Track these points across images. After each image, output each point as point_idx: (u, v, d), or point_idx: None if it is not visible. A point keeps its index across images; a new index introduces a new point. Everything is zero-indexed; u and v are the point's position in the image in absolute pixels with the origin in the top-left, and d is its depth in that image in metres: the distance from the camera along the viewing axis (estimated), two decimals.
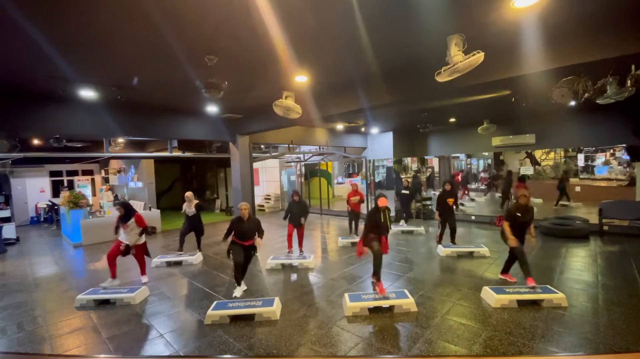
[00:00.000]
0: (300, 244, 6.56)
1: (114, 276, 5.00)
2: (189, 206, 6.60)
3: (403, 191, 8.91)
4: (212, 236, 9.14)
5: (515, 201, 4.54)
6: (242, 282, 4.73)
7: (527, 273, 4.29)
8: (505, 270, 4.84)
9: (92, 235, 8.53)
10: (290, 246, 6.54)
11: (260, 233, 4.63)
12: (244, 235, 4.54)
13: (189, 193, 6.70)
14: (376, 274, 4.46)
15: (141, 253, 5.11)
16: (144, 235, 5.08)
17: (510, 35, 3.00)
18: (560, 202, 8.55)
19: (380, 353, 3.18)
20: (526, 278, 4.28)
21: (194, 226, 6.70)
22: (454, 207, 6.68)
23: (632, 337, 3.24)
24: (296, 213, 6.30)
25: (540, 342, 3.21)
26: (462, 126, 9.45)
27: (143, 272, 5.26)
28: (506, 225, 4.44)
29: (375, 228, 4.55)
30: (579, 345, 3.15)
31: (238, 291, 4.61)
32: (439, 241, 6.80)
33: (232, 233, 4.57)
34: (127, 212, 4.95)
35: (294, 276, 5.49)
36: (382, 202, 4.54)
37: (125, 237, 4.94)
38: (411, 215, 9.76)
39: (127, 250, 4.96)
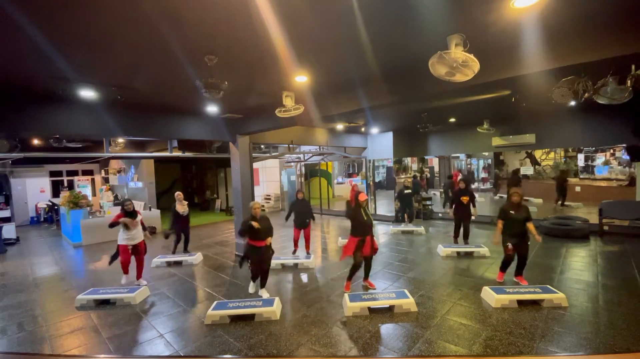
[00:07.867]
0: (307, 246, 6.52)
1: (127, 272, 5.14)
2: (182, 206, 6.68)
3: (406, 191, 8.82)
4: (212, 236, 9.15)
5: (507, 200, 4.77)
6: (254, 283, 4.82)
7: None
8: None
9: (92, 235, 8.54)
10: (296, 246, 6.54)
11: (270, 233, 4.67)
12: (259, 234, 4.44)
13: (179, 194, 6.79)
14: (354, 277, 4.68)
15: (143, 251, 5.18)
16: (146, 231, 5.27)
17: (510, 35, 3.00)
18: (565, 202, 8.53)
19: (380, 353, 3.19)
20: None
21: (185, 226, 6.83)
22: (471, 206, 6.62)
23: (632, 337, 3.24)
24: (300, 212, 6.25)
25: (541, 342, 3.22)
26: (462, 126, 9.44)
27: (140, 275, 5.21)
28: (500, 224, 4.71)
29: (360, 229, 4.43)
30: (579, 345, 3.16)
31: (252, 288, 4.81)
32: (456, 240, 6.94)
33: (247, 234, 4.48)
34: (134, 209, 5.12)
35: (294, 276, 5.50)
36: (362, 197, 4.44)
37: (131, 236, 4.98)
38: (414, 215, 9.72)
39: (135, 250, 5.07)
